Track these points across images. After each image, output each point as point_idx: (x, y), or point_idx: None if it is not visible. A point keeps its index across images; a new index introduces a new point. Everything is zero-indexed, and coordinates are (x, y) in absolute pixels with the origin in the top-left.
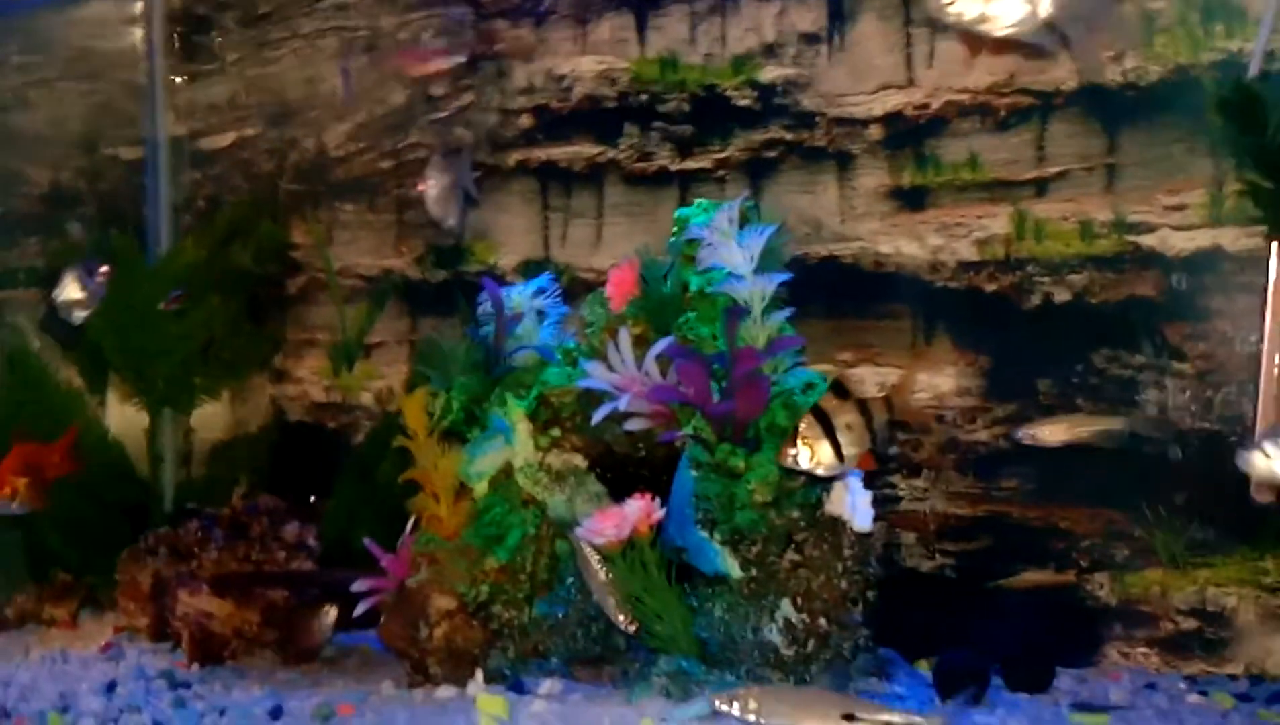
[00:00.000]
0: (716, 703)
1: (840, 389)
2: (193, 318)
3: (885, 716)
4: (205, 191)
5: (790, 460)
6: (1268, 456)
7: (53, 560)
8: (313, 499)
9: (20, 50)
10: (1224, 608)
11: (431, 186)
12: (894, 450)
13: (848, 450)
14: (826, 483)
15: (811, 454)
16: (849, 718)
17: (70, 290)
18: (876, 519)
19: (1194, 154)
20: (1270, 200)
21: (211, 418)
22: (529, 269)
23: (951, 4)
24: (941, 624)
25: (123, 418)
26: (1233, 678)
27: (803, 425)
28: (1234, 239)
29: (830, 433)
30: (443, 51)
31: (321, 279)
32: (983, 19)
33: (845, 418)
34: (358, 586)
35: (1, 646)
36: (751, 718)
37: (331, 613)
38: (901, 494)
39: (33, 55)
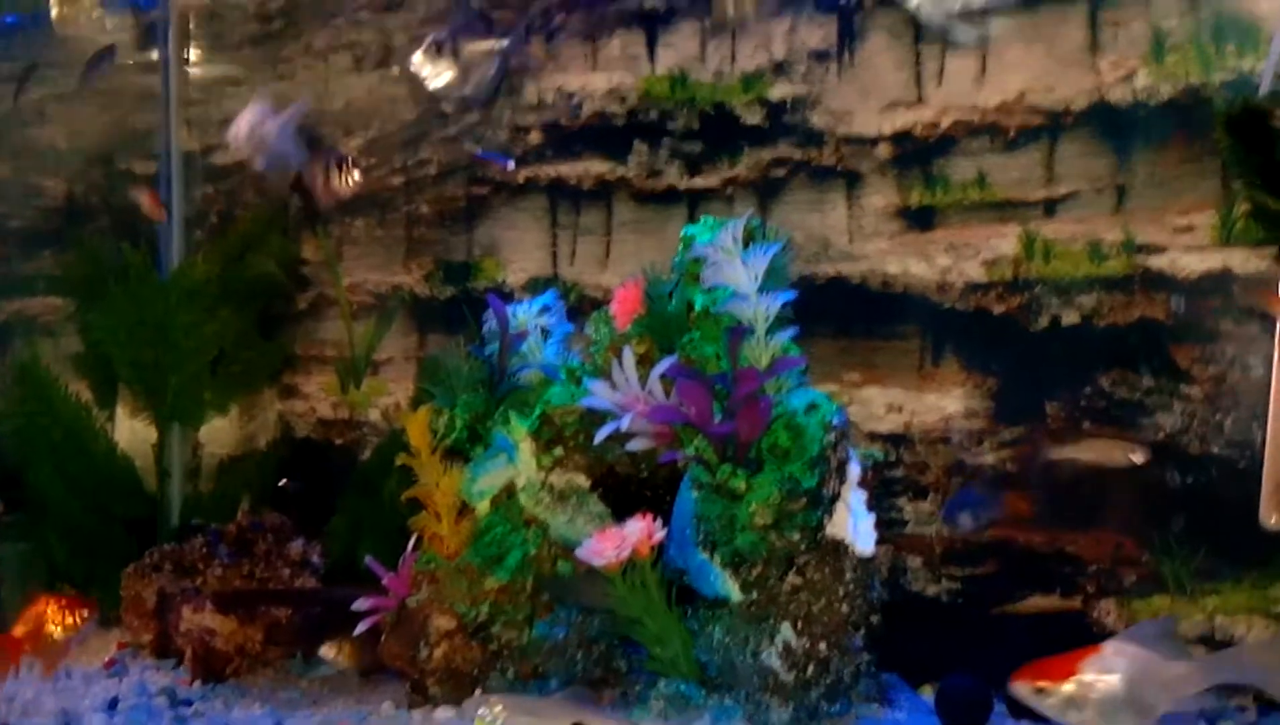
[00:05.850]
0: None
1: None
2: (203, 332)
3: None
4: (217, 206)
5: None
6: None
7: (58, 574)
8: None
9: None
10: (1233, 636)
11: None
12: None
13: None
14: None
15: None
16: None
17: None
18: (880, 542)
19: (1204, 175)
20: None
21: (220, 433)
22: (537, 286)
23: None
24: (945, 649)
25: (131, 432)
26: (1241, 709)
27: None
28: (1244, 260)
29: None
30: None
31: (331, 295)
32: None
33: None
34: (359, 605)
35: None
36: None
37: None
38: (907, 518)
39: (48, 69)
